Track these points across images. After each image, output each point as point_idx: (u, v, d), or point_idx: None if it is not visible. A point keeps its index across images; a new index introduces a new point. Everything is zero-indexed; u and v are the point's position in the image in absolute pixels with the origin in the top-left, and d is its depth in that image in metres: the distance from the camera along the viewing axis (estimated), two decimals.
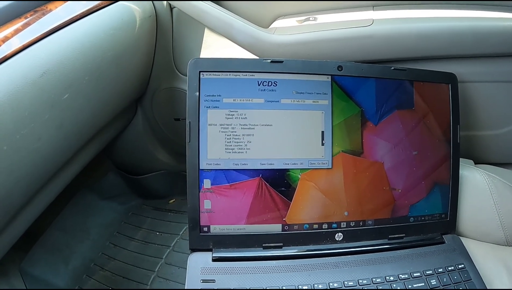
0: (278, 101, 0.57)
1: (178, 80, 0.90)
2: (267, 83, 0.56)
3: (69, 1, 0.70)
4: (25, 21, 0.61)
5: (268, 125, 0.57)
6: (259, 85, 0.56)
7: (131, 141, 1.03)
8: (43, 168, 0.68)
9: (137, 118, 1.00)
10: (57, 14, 0.65)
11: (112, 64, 0.74)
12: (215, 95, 0.55)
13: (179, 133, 0.98)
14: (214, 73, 0.55)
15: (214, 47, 0.84)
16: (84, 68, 0.68)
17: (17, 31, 0.59)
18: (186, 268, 0.55)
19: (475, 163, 0.73)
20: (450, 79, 0.64)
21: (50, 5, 0.66)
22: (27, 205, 0.69)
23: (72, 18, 0.67)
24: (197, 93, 0.55)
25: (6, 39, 0.57)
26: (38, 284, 0.91)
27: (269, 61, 0.57)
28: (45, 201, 0.77)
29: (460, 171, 0.64)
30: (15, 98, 0.56)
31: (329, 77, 0.58)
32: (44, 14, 0.64)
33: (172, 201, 1.15)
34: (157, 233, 1.05)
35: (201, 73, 0.55)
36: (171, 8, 0.84)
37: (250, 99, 0.56)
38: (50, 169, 0.71)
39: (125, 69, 0.80)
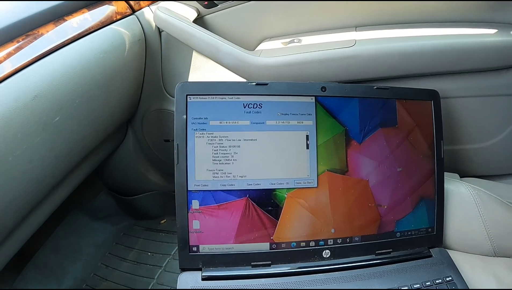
0: (263, 122, 0.58)
1: (167, 102, 0.91)
2: (252, 105, 0.58)
3: (60, 26, 0.70)
4: (17, 45, 0.62)
5: (254, 146, 0.58)
6: (244, 107, 0.58)
7: (122, 162, 1.04)
8: (34, 189, 0.68)
9: (128, 139, 1.01)
10: (49, 38, 0.66)
11: (102, 87, 0.75)
12: (202, 118, 0.57)
13: (170, 154, 0.99)
14: (201, 96, 0.57)
15: (202, 69, 0.86)
16: (75, 91, 0.68)
17: (9, 55, 0.59)
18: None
19: (461, 177, 0.74)
20: (433, 96, 0.65)
21: (42, 29, 0.66)
22: (19, 226, 0.69)
23: (63, 42, 0.67)
24: (185, 116, 0.56)
25: None
26: None
27: (254, 83, 0.58)
28: (37, 222, 0.77)
29: (446, 185, 0.65)
30: (7, 120, 0.56)
31: (313, 98, 0.59)
32: (36, 38, 0.65)
33: (163, 221, 1.15)
34: (149, 254, 1.05)
35: (188, 96, 0.56)
36: (160, 31, 0.86)
37: (236, 121, 0.57)
38: (42, 190, 0.71)
39: (115, 92, 0.81)
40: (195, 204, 0.56)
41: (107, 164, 1.03)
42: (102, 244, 1.08)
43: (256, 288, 0.55)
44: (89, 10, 0.75)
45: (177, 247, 1.00)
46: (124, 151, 1.02)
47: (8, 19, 0.62)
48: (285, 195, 0.58)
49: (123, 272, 1.01)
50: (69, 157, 0.75)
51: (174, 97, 0.89)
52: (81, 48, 0.70)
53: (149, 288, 0.95)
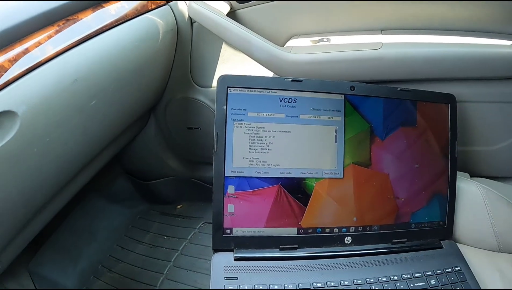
0: (297, 116, 0.62)
1: (193, 90, 0.93)
2: (287, 100, 0.61)
3: (98, 11, 0.71)
4: (57, 28, 0.64)
5: (287, 137, 0.61)
6: (280, 101, 0.61)
7: (142, 147, 1.06)
8: (66, 171, 0.71)
9: (150, 125, 1.03)
10: (87, 23, 0.68)
11: (135, 73, 0.78)
12: (241, 109, 0.60)
13: (191, 141, 1.02)
14: (240, 88, 0.60)
15: (230, 61, 0.88)
16: (111, 76, 0.71)
17: (49, 37, 0.62)
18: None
19: (471, 176, 0.78)
20: (450, 99, 0.69)
21: (81, 15, 0.68)
22: (44, 207, 0.72)
23: (102, 28, 0.69)
24: (225, 107, 0.59)
25: (39, 44, 0.60)
26: (47, 284, 0.93)
27: (290, 80, 0.62)
28: (60, 204, 0.80)
29: (457, 183, 0.69)
30: (48, 103, 0.59)
31: (343, 96, 0.63)
32: (75, 23, 0.67)
33: (179, 206, 1.16)
34: (165, 237, 1.06)
35: (228, 88, 0.60)
36: (192, 22, 0.88)
37: (272, 114, 0.61)
38: (71, 172, 0.74)
39: (145, 79, 0.84)
40: (231, 189, 0.60)
41: (127, 148, 1.05)
42: (118, 227, 1.10)
43: (284, 269, 0.59)
44: None
45: (193, 232, 1.04)
46: (145, 136, 1.04)
47: (50, 3, 0.64)
48: (314, 184, 0.62)
49: (139, 255, 1.02)
50: (99, 141, 0.78)
51: (200, 86, 0.92)
52: (119, 34, 0.73)
53: (166, 270, 0.96)
